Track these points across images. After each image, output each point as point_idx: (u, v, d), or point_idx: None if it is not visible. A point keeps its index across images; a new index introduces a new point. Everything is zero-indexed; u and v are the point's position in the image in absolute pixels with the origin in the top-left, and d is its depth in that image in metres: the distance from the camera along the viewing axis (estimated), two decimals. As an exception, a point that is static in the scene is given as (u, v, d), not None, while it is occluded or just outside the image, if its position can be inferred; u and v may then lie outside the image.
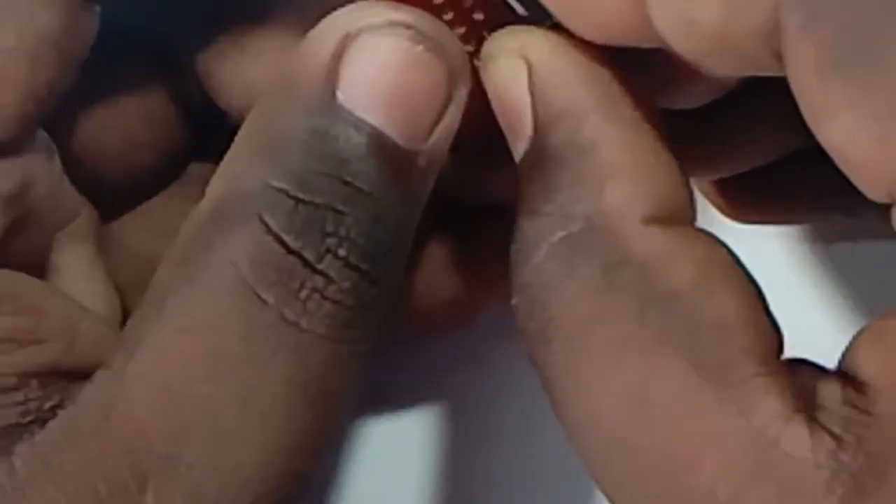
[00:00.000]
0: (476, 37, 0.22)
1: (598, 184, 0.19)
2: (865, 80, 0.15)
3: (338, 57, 0.20)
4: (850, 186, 0.17)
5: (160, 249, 0.21)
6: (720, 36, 0.17)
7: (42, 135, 0.23)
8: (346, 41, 0.20)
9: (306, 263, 0.19)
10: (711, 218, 0.28)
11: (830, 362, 0.19)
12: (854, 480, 0.16)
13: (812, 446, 0.17)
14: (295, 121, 0.20)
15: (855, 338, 0.18)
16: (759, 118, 0.24)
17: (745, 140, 0.25)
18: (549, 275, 0.19)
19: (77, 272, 0.24)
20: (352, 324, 0.20)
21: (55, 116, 0.23)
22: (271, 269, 0.19)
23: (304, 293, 0.19)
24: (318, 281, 0.20)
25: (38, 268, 0.23)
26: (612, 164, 0.19)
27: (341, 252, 0.20)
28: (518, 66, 0.20)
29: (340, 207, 0.20)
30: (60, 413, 0.20)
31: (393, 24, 0.20)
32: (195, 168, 0.27)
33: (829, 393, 0.17)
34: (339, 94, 0.20)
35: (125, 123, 0.25)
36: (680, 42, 0.18)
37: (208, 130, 0.24)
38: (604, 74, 0.20)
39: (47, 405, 0.20)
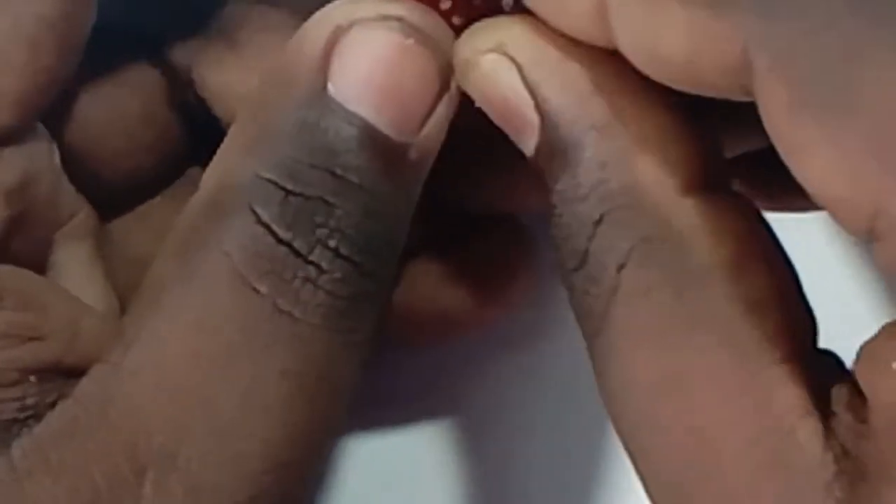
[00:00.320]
0: None
1: (625, 160, 0.19)
2: (836, 119, 0.15)
3: (329, 50, 0.20)
4: None
5: (158, 251, 0.21)
6: (686, 69, 0.17)
7: (43, 131, 0.23)
8: (338, 34, 0.20)
9: (297, 254, 0.20)
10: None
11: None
12: (851, 488, 0.16)
13: (823, 444, 0.17)
14: (286, 113, 0.20)
15: (860, 348, 0.18)
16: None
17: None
18: (597, 255, 0.19)
19: (75, 272, 0.24)
20: (346, 314, 0.20)
21: (55, 111, 0.23)
22: (264, 260, 0.20)
23: (296, 283, 0.20)
24: (311, 271, 0.20)
25: (38, 266, 0.23)
26: (637, 136, 0.19)
27: (332, 243, 0.20)
28: (504, 65, 0.20)
29: (331, 199, 0.20)
30: (58, 407, 0.20)
31: (384, 18, 0.20)
32: (193, 171, 0.27)
33: (839, 396, 0.18)
34: (330, 87, 0.20)
35: (125, 124, 0.25)
36: (645, 69, 0.18)
37: (206, 135, 0.25)
38: (594, 54, 0.19)
39: (45, 401, 0.20)
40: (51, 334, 0.21)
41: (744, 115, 0.18)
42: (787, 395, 0.17)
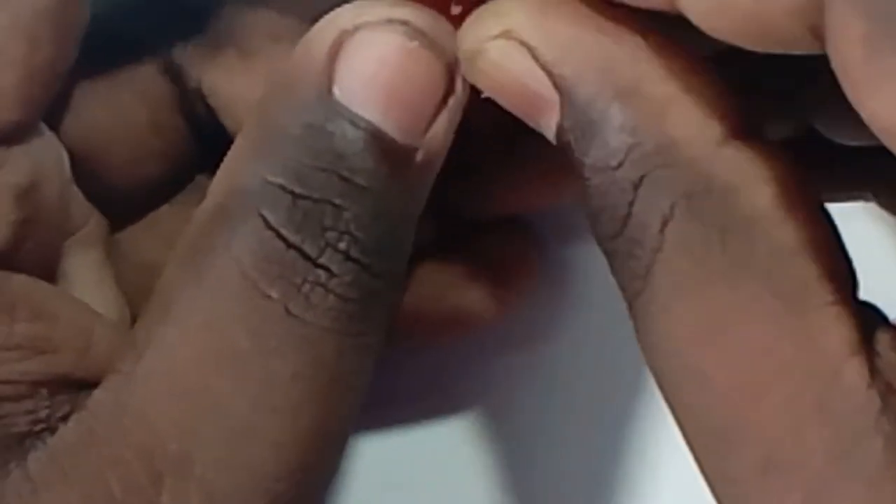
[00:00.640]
0: None
1: (657, 119, 0.19)
2: None
3: (334, 53, 0.20)
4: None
5: (167, 258, 0.21)
6: (754, 15, 0.17)
7: (51, 136, 0.23)
8: (343, 37, 0.20)
9: (307, 257, 0.20)
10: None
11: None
12: None
13: (868, 381, 0.17)
14: (292, 117, 0.20)
15: None
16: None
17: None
18: (639, 216, 0.19)
19: (86, 280, 0.24)
20: (357, 317, 0.20)
21: (63, 120, 0.23)
22: (273, 264, 0.20)
23: (306, 287, 0.20)
24: (320, 275, 0.20)
25: (48, 275, 0.23)
26: (665, 95, 0.19)
27: (341, 246, 0.20)
28: (513, 48, 0.20)
29: (338, 202, 0.20)
30: (73, 417, 0.20)
31: (390, 21, 0.20)
32: (202, 180, 0.27)
33: (883, 338, 0.18)
34: (336, 90, 0.20)
35: (133, 133, 0.25)
36: (710, 23, 0.18)
37: (215, 144, 0.25)
38: (605, 25, 0.19)
39: (58, 414, 0.20)
40: (63, 346, 0.21)
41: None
42: (833, 337, 0.17)
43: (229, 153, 0.21)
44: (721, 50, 0.19)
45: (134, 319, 0.25)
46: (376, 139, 0.20)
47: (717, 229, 0.18)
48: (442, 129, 0.21)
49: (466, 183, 0.27)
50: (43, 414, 0.20)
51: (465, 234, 0.27)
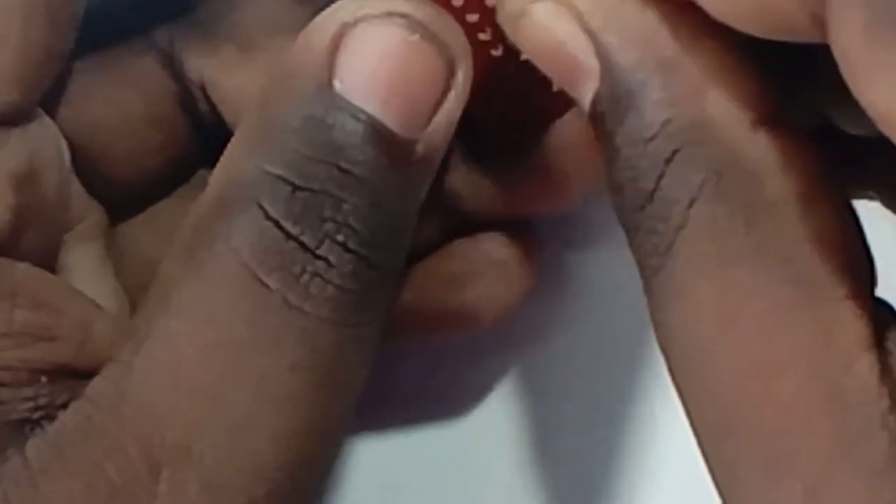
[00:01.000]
0: (490, 23, 0.22)
1: (696, 96, 0.19)
2: None
3: (335, 46, 0.20)
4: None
5: (167, 252, 0.21)
6: (760, 1, 0.17)
7: (50, 124, 0.23)
8: (344, 30, 0.20)
9: (306, 248, 0.20)
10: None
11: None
12: None
13: (879, 378, 0.17)
14: (292, 109, 0.20)
15: None
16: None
17: None
18: (667, 191, 0.19)
19: (86, 273, 0.24)
20: (355, 307, 0.20)
21: (63, 113, 0.23)
22: (272, 255, 0.20)
23: (305, 277, 0.20)
24: (319, 265, 0.20)
25: (48, 268, 0.23)
26: (704, 73, 0.19)
27: (340, 237, 0.20)
28: (560, 11, 0.20)
29: (338, 194, 0.20)
30: (72, 406, 0.20)
31: (391, 14, 0.21)
32: (202, 175, 0.27)
33: (895, 337, 0.18)
34: (336, 83, 0.20)
35: (133, 127, 0.25)
36: (718, 7, 0.18)
37: (215, 138, 0.25)
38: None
39: (57, 402, 0.20)
40: (63, 335, 0.21)
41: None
42: (848, 330, 0.17)
43: (229, 145, 0.21)
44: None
45: (133, 312, 0.25)
46: (376, 132, 0.20)
47: (743, 211, 0.18)
48: (442, 122, 0.21)
49: (468, 182, 0.27)
50: (42, 401, 0.20)
51: (467, 232, 0.27)
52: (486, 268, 0.27)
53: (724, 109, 0.18)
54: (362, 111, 0.20)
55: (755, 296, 0.18)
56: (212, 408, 0.20)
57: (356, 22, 0.20)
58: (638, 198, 0.19)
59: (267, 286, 0.20)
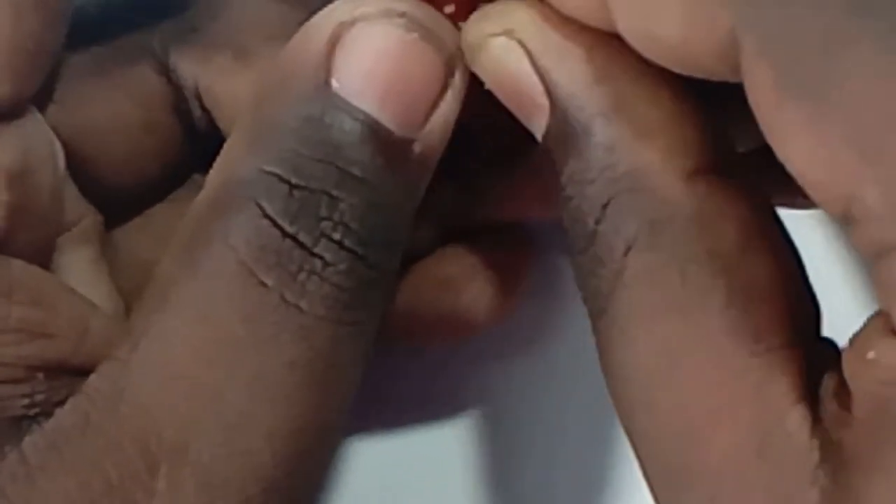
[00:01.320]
0: None
1: (635, 143, 0.19)
2: (817, 105, 0.16)
3: (332, 45, 0.20)
4: None
5: (162, 256, 0.21)
6: (679, 50, 0.17)
7: (43, 125, 0.23)
8: (341, 29, 0.21)
9: (302, 247, 0.20)
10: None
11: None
12: (834, 475, 0.17)
13: (811, 431, 0.17)
14: (289, 107, 0.20)
15: (850, 339, 0.18)
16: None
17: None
18: (604, 237, 0.19)
19: (81, 276, 0.24)
20: (352, 305, 0.20)
21: (52, 105, 0.23)
22: (269, 253, 0.20)
23: (302, 275, 0.20)
24: (316, 264, 0.20)
25: (42, 268, 0.23)
26: (645, 120, 0.19)
27: (336, 236, 0.20)
28: (513, 48, 0.20)
29: (334, 193, 0.20)
30: (69, 403, 0.20)
31: (387, 13, 0.21)
32: (197, 178, 0.27)
33: (828, 385, 0.18)
34: (334, 82, 0.20)
35: (128, 132, 0.25)
36: (643, 51, 0.18)
37: (210, 144, 0.25)
38: (600, 39, 0.19)
39: (54, 399, 0.20)
40: (60, 333, 0.21)
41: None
42: (780, 382, 0.17)
43: (226, 144, 0.21)
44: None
45: (129, 315, 0.25)
46: (373, 131, 0.20)
47: (679, 261, 0.18)
48: (440, 122, 0.21)
49: (465, 186, 0.27)
50: (39, 398, 0.20)
51: (462, 236, 0.28)
52: (480, 271, 0.27)
53: (661, 157, 0.19)
54: (360, 110, 0.20)
55: (692, 347, 0.18)
56: (209, 405, 0.19)
57: (354, 21, 0.21)
58: (580, 239, 0.19)
59: (264, 284, 0.20)
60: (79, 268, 0.24)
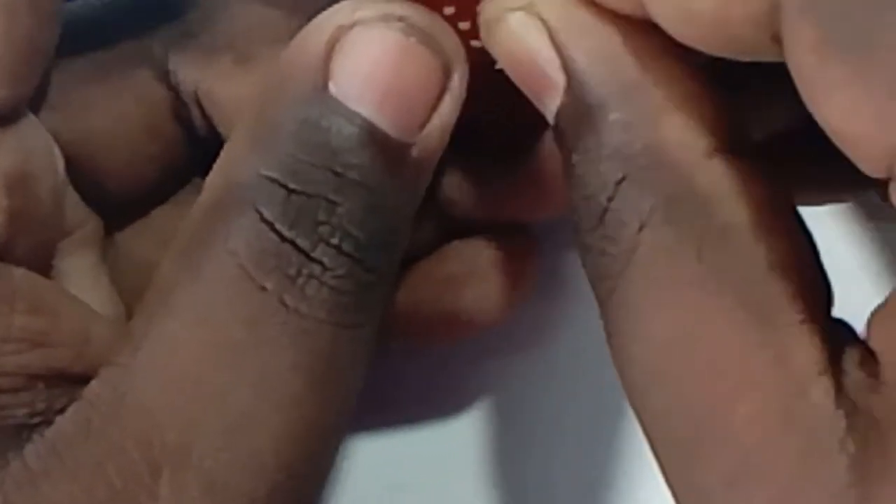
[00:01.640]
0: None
1: (652, 120, 0.19)
2: (862, 58, 0.16)
3: (330, 49, 0.20)
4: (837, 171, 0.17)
5: (162, 259, 0.21)
6: (717, 22, 0.17)
7: (41, 130, 0.23)
8: (339, 33, 0.21)
9: (301, 251, 0.20)
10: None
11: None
12: (863, 440, 0.17)
13: (835, 401, 0.17)
14: (287, 112, 0.20)
15: (870, 314, 0.18)
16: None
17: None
18: (617, 214, 0.19)
19: (81, 281, 0.24)
20: (351, 309, 0.20)
21: (53, 111, 0.23)
22: (269, 257, 0.20)
23: (301, 279, 0.20)
24: (315, 268, 0.20)
25: (43, 275, 0.23)
26: (663, 98, 0.19)
27: (334, 240, 0.20)
28: (532, 22, 0.20)
29: (332, 197, 0.20)
30: (70, 409, 0.20)
31: (386, 17, 0.21)
32: (197, 182, 0.28)
33: (851, 357, 0.18)
34: (332, 86, 0.20)
35: (128, 137, 0.26)
36: (677, 29, 0.18)
37: (210, 148, 0.25)
38: (621, 19, 0.19)
39: (55, 407, 0.20)
40: (61, 341, 0.21)
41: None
42: (802, 355, 0.17)
43: (225, 148, 0.21)
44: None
45: (129, 319, 0.25)
46: (371, 135, 0.20)
47: (695, 238, 0.18)
48: (438, 126, 0.21)
49: (464, 187, 0.27)
50: (40, 407, 0.20)
51: (463, 235, 0.28)
52: (482, 270, 0.27)
53: (679, 135, 0.19)
54: (358, 115, 0.20)
55: (710, 322, 0.18)
56: (211, 409, 0.20)
57: (352, 25, 0.21)
58: (590, 218, 0.19)
59: (263, 288, 0.20)
60: (79, 273, 0.24)
